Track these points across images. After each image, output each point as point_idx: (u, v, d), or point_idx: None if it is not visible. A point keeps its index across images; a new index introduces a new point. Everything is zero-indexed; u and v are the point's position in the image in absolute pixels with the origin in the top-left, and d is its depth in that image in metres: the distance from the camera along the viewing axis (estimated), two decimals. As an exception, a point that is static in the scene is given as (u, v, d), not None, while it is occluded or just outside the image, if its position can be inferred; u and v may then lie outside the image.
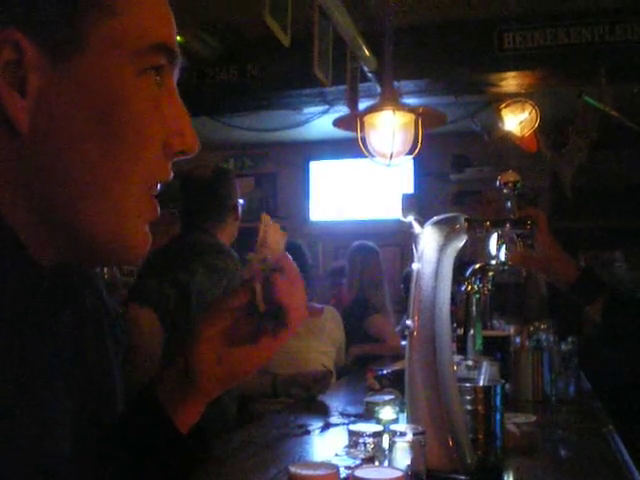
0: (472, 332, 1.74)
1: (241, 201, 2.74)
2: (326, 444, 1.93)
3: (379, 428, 1.51)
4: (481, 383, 1.62)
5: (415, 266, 1.58)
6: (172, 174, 0.76)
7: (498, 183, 1.93)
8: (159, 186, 0.76)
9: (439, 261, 1.54)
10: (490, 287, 1.81)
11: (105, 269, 3.99)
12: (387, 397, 2.10)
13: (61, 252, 0.72)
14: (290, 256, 0.90)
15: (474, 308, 1.74)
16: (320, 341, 3.39)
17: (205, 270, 2.41)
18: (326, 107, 5.47)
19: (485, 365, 1.67)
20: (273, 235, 0.88)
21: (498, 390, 1.60)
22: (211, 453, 0.92)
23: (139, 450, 0.87)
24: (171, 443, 0.87)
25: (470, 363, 1.75)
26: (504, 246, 1.81)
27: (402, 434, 1.26)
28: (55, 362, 0.73)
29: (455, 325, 1.92)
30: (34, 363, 0.69)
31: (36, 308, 0.69)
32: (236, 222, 2.73)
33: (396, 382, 2.33)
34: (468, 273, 1.75)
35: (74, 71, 0.66)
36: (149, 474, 0.87)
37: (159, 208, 0.76)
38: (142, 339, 2.20)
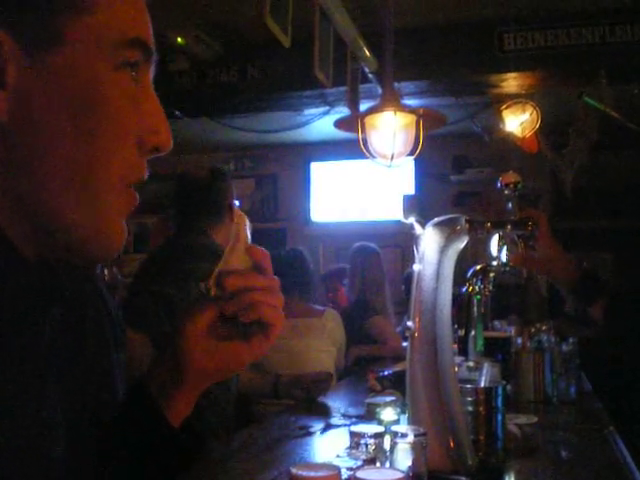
0: (473, 333, 1.74)
1: (237, 202, 2.72)
2: (327, 445, 1.93)
3: (380, 429, 1.51)
4: (482, 384, 1.62)
5: (416, 267, 1.58)
6: (147, 173, 0.76)
7: (499, 184, 1.93)
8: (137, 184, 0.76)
9: (440, 262, 1.54)
10: (491, 288, 1.80)
11: (106, 270, 3.98)
12: (388, 398, 2.09)
13: (43, 248, 0.72)
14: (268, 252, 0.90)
15: (475, 309, 1.74)
16: (321, 341, 3.40)
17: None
18: (327, 108, 5.47)
19: (486, 366, 1.67)
20: (244, 228, 0.89)
21: (499, 391, 1.60)
22: (205, 448, 0.92)
23: (133, 444, 0.88)
24: (164, 435, 0.88)
25: (471, 364, 1.75)
26: (505, 247, 1.81)
27: (403, 435, 1.26)
28: (47, 359, 0.73)
29: (456, 326, 1.92)
30: (24, 359, 0.69)
31: (24, 303, 0.69)
32: (233, 223, 2.68)
33: (397, 383, 2.33)
34: (469, 274, 1.75)
35: (51, 65, 0.67)
36: (143, 468, 0.88)
37: (138, 198, 0.76)
38: (132, 364, 2.16)
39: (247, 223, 0.91)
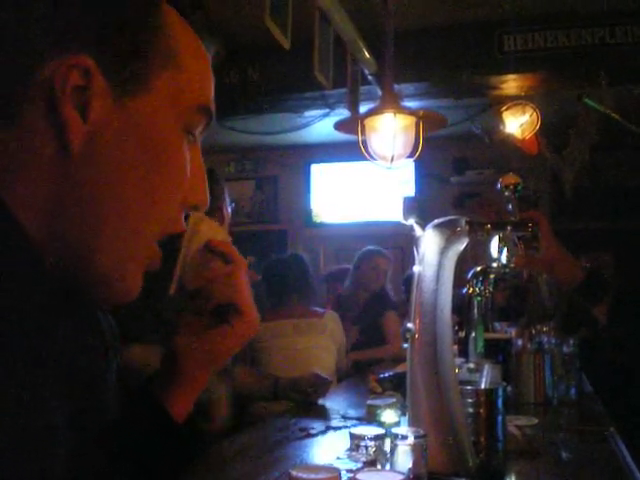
0: (474, 335, 1.74)
1: (230, 204, 2.64)
2: (328, 447, 1.93)
3: (381, 431, 1.51)
4: (483, 386, 1.62)
5: (416, 269, 1.57)
6: (184, 227, 0.81)
7: (499, 185, 1.93)
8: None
9: (440, 264, 1.54)
10: (491, 290, 1.80)
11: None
12: (389, 400, 2.09)
13: (62, 277, 0.72)
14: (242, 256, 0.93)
15: (475, 311, 1.74)
16: (322, 339, 3.41)
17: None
18: (327, 110, 5.47)
19: (487, 368, 1.67)
20: (208, 229, 0.90)
21: (500, 393, 1.60)
22: (207, 446, 0.94)
23: (137, 441, 0.89)
24: (168, 431, 0.89)
25: (472, 366, 1.74)
26: (505, 249, 1.80)
27: (404, 437, 1.26)
28: (56, 363, 0.74)
29: (456, 328, 1.92)
30: (37, 363, 0.69)
31: (44, 314, 0.69)
32: (223, 225, 2.59)
33: (398, 385, 2.33)
34: (469, 276, 1.75)
35: (132, 110, 0.69)
36: (147, 465, 0.88)
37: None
38: (132, 375, 2.12)
39: (211, 225, 0.91)
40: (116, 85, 0.67)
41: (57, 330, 0.74)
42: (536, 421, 1.86)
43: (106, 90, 0.67)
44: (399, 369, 2.64)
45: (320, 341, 3.39)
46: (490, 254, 1.79)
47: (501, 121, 4.51)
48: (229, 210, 2.63)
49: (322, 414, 2.43)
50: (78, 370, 0.80)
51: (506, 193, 1.88)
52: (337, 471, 1.12)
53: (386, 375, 2.61)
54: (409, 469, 1.23)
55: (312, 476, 1.09)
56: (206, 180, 0.80)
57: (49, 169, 0.67)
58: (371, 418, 2.04)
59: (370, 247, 4.92)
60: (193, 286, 0.90)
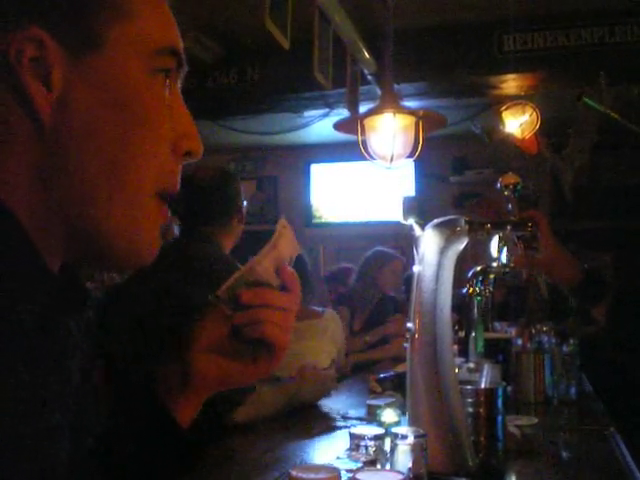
0: (474, 335, 1.74)
1: (245, 203, 2.64)
2: (328, 447, 1.93)
3: (380, 431, 1.51)
4: (483, 385, 1.62)
5: (416, 269, 1.58)
6: (178, 186, 0.78)
7: (498, 185, 1.93)
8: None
9: (440, 264, 1.54)
10: (491, 289, 1.80)
11: (105, 275, 3.98)
12: (389, 400, 2.09)
13: (72, 251, 0.72)
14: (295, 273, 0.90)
15: (475, 311, 1.74)
16: (323, 342, 3.39)
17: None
18: (326, 110, 5.47)
19: (487, 367, 1.67)
20: (286, 240, 0.88)
21: (500, 392, 1.60)
22: (209, 450, 0.94)
23: (140, 445, 0.88)
24: (171, 436, 0.89)
25: (472, 365, 1.75)
26: (505, 248, 1.81)
27: (403, 437, 1.26)
28: (58, 367, 0.74)
29: (456, 328, 1.92)
30: (40, 366, 0.69)
31: (45, 314, 0.69)
32: (240, 225, 2.61)
33: (398, 385, 2.33)
34: (469, 276, 1.75)
35: (92, 68, 0.69)
36: (150, 468, 0.88)
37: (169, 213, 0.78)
38: None
39: (290, 236, 0.89)
40: (71, 47, 0.67)
41: (58, 329, 0.74)
42: (536, 421, 1.86)
43: (63, 55, 0.67)
44: (399, 369, 2.64)
45: (320, 345, 3.36)
46: (490, 254, 1.79)
47: (501, 121, 4.50)
48: (244, 209, 2.63)
49: (322, 414, 2.43)
50: (75, 370, 0.80)
51: (505, 193, 1.89)
52: (337, 471, 1.12)
53: (386, 375, 2.60)
54: (409, 469, 1.23)
55: (312, 476, 1.09)
56: (194, 124, 0.78)
57: (25, 146, 0.67)
58: (371, 418, 2.05)
59: (385, 249, 4.89)
60: (245, 301, 0.86)
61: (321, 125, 5.90)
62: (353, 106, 4.08)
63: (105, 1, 0.70)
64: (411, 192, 6.93)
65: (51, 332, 0.71)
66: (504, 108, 4.51)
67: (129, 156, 0.70)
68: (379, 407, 2.02)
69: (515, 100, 4.58)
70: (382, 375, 2.61)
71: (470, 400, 1.58)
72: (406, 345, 1.59)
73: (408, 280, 4.59)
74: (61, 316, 0.74)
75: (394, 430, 1.31)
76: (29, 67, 0.66)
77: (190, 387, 0.89)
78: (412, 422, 1.52)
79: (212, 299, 0.87)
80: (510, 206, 1.86)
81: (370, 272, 4.73)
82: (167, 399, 0.89)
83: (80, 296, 0.78)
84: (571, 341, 2.65)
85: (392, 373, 2.62)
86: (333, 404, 2.55)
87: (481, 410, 1.58)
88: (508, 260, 1.81)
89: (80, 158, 0.68)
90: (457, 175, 6.93)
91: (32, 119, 0.67)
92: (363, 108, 3.64)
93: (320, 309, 3.62)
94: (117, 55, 0.70)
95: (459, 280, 1.71)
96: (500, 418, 1.59)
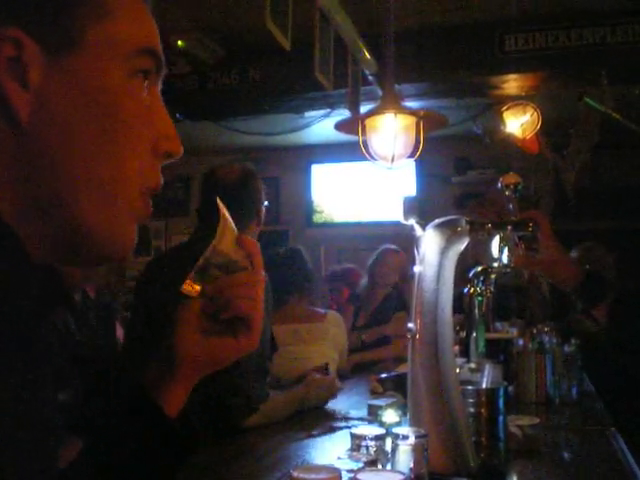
0: (475, 335, 1.74)
1: (266, 203, 2.60)
2: (329, 447, 1.93)
3: (382, 431, 1.51)
4: (484, 386, 1.62)
5: (417, 269, 1.58)
6: (162, 182, 0.78)
7: (499, 185, 1.93)
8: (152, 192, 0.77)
9: (441, 264, 1.54)
10: (492, 290, 1.80)
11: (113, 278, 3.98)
12: (390, 400, 2.09)
13: (52, 249, 0.73)
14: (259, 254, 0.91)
15: (476, 311, 1.74)
16: (324, 346, 3.37)
17: None
18: (328, 110, 5.47)
19: (488, 367, 1.67)
20: (229, 222, 0.90)
21: (501, 393, 1.60)
22: (200, 442, 0.94)
23: (129, 437, 0.88)
24: (159, 426, 0.89)
25: (473, 366, 1.75)
26: (506, 248, 1.80)
27: (404, 437, 1.26)
28: (47, 363, 0.74)
29: (458, 328, 1.92)
30: (25, 361, 0.69)
31: (29, 309, 0.70)
32: (258, 227, 2.59)
33: (399, 385, 2.33)
34: (470, 276, 1.75)
35: (70, 68, 0.69)
36: (142, 463, 0.88)
37: (151, 208, 0.78)
38: None
39: (228, 218, 0.91)
40: (49, 47, 0.67)
41: (47, 324, 0.74)
42: (537, 421, 1.86)
43: (40, 55, 0.67)
44: (400, 369, 2.64)
45: (321, 349, 3.35)
46: (491, 254, 1.79)
47: (502, 121, 4.50)
48: (264, 210, 2.59)
49: (323, 414, 2.43)
50: (66, 366, 0.80)
51: (507, 193, 1.89)
52: (338, 471, 1.12)
53: (387, 375, 2.61)
54: (410, 469, 1.23)
55: (313, 476, 1.09)
56: (173, 125, 0.78)
57: (4, 146, 0.67)
58: (372, 418, 2.05)
59: (387, 246, 4.89)
60: (212, 286, 0.89)
61: (322, 125, 5.90)
62: (354, 106, 4.08)
63: (84, 1, 0.70)
64: (412, 192, 6.93)
65: (38, 328, 0.72)
66: (505, 108, 4.51)
67: (108, 155, 0.71)
68: (380, 407, 2.02)
69: (516, 100, 4.59)
70: (383, 375, 2.61)
71: (471, 400, 1.58)
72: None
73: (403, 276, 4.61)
74: (46, 311, 0.75)
75: (395, 430, 1.31)
76: (6, 67, 0.66)
77: (177, 372, 0.90)
78: (413, 422, 1.52)
79: (184, 288, 0.89)
80: (511, 206, 1.86)
81: (370, 268, 4.74)
82: (154, 388, 0.90)
83: (62, 293, 0.79)
84: (572, 341, 2.65)
85: (393, 373, 2.62)
86: (334, 404, 2.55)
87: (482, 410, 1.58)
88: (509, 260, 1.81)
89: (59, 157, 0.69)
90: (458, 175, 6.93)
91: (9, 118, 0.66)
92: (364, 108, 3.64)
93: (322, 311, 3.60)
94: (95, 55, 0.70)
95: (462, 280, 1.71)
96: (501, 418, 1.59)
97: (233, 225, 0.90)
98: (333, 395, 2.62)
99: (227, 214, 0.90)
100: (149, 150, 0.75)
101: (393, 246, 4.87)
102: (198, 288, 0.89)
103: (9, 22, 0.66)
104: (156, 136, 0.76)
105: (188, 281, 0.89)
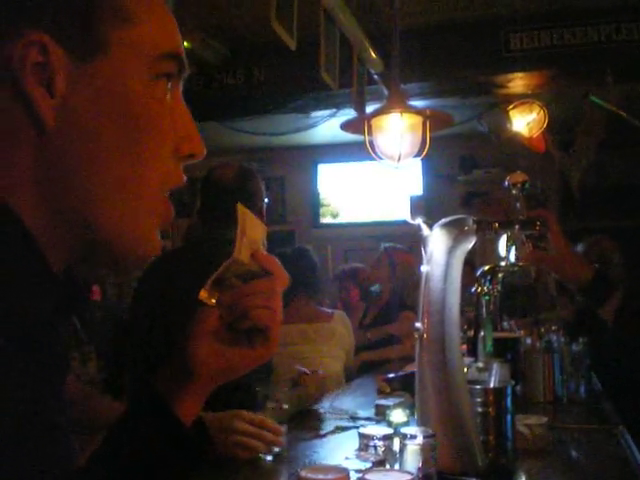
0: (482, 334, 1.73)
1: (266, 200, 2.57)
2: (337, 447, 1.93)
3: (389, 431, 1.51)
4: (492, 385, 1.62)
5: (424, 268, 1.57)
6: (185, 179, 0.78)
7: (506, 184, 1.92)
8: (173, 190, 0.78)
9: (448, 263, 1.54)
10: (500, 289, 1.80)
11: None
12: (397, 400, 2.09)
13: (74, 254, 0.73)
14: (278, 260, 0.90)
15: (484, 310, 1.74)
16: (331, 346, 3.37)
17: None
18: (333, 110, 5.47)
19: (495, 367, 1.66)
20: (251, 225, 0.89)
21: (508, 391, 1.60)
22: (213, 449, 0.93)
23: (143, 443, 0.88)
24: (173, 433, 0.88)
25: (481, 365, 1.74)
26: (514, 247, 1.80)
27: (412, 437, 1.26)
28: (57, 368, 0.74)
29: (465, 327, 1.92)
30: (41, 367, 0.69)
31: (47, 316, 0.70)
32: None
33: (406, 385, 2.33)
34: (478, 275, 1.75)
35: (95, 74, 0.69)
36: (152, 467, 0.88)
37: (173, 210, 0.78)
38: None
39: (254, 219, 0.90)
40: (75, 52, 0.67)
41: (57, 329, 0.74)
42: (545, 420, 1.86)
43: (66, 60, 0.67)
44: (408, 369, 2.63)
45: (327, 349, 3.35)
46: (498, 253, 1.79)
47: (508, 119, 4.50)
48: (264, 209, 2.57)
49: (331, 414, 2.43)
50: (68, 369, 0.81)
51: (513, 191, 1.88)
52: (346, 471, 1.12)
53: (395, 375, 2.60)
54: (418, 469, 1.23)
55: (321, 476, 1.09)
56: (195, 126, 0.79)
57: (29, 151, 0.67)
58: (380, 418, 2.04)
59: (387, 244, 4.87)
60: (230, 297, 0.88)
61: (328, 125, 5.90)
62: (360, 106, 4.07)
63: (108, 6, 0.70)
64: (419, 191, 6.92)
65: (52, 333, 0.72)
66: (511, 107, 4.50)
67: (132, 159, 0.71)
68: (388, 407, 2.02)
69: (522, 99, 4.58)
70: (391, 375, 2.61)
71: (479, 400, 1.58)
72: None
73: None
74: (62, 318, 0.75)
75: (403, 430, 1.31)
76: (32, 72, 0.66)
77: (194, 380, 0.89)
78: (421, 422, 1.52)
79: (201, 296, 0.88)
80: (518, 205, 1.86)
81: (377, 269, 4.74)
82: (168, 397, 0.89)
83: (80, 298, 0.79)
84: (580, 340, 2.65)
85: (401, 373, 2.62)
86: (342, 404, 2.55)
87: (490, 410, 1.57)
88: (517, 259, 1.81)
89: (83, 162, 0.69)
90: (465, 174, 6.92)
91: (35, 124, 0.67)
92: (370, 108, 3.64)
93: (329, 311, 3.60)
94: (119, 60, 0.70)
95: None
96: (509, 417, 1.59)
97: (251, 235, 0.89)
98: (327, 392, 2.62)
99: (248, 220, 0.89)
100: (172, 152, 0.76)
101: (398, 246, 4.87)
102: (215, 297, 0.88)
103: (35, 26, 0.66)
104: (178, 138, 0.76)
105: (205, 289, 0.88)
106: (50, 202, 0.69)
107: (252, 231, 0.89)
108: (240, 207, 0.89)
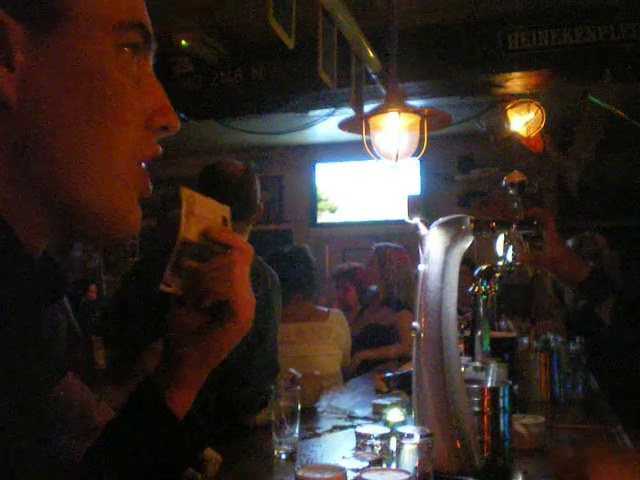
0: (480, 333, 1.73)
1: (260, 202, 2.59)
2: (334, 447, 1.93)
3: (387, 430, 1.51)
4: (489, 384, 1.62)
5: (421, 267, 1.57)
6: (160, 150, 0.77)
7: (503, 183, 1.93)
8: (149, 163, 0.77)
9: (445, 262, 1.54)
10: (497, 288, 1.80)
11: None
12: (395, 399, 2.09)
13: (54, 230, 0.72)
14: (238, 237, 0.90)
15: (481, 309, 1.74)
16: (327, 344, 3.37)
17: None
18: (331, 109, 5.47)
19: (492, 366, 1.66)
20: (201, 205, 0.87)
21: (505, 391, 1.60)
22: (208, 442, 0.93)
23: (138, 437, 0.88)
24: (168, 427, 0.89)
25: (478, 364, 1.74)
26: (511, 247, 1.80)
27: (409, 436, 1.26)
28: (44, 357, 0.74)
29: (463, 327, 1.92)
30: (23, 355, 0.69)
31: (27, 301, 0.69)
32: (255, 221, 2.57)
33: (404, 384, 2.33)
34: (475, 274, 1.75)
35: (55, 46, 0.68)
36: (148, 461, 0.88)
37: (151, 185, 0.77)
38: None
39: (206, 200, 0.89)
40: (34, 26, 0.67)
41: (41, 319, 0.73)
42: (542, 419, 1.86)
43: (24, 35, 0.66)
44: (405, 368, 2.64)
45: (324, 347, 3.35)
46: (496, 252, 1.79)
47: (506, 119, 4.50)
48: (261, 210, 2.58)
49: (328, 413, 2.43)
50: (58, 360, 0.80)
51: (511, 191, 1.88)
52: (343, 471, 1.12)
53: (392, 374, 2.60)
54: (415, 468, 1.23)
55: (318, 476, 1.09)
56: (167, 99, 0.77)
57: None
58: (377, 417, 2.04)
59: (379, 244, 4.87)
60: (189, 279, 0.87)
61: (326, 124, 5.90)
62: (358, 105, 4.07)
63: None
64: (416, 191, 6.92)
65: (30, 320, 0.71)
66: (509, 106, 4.51)
67: (98, 130, 0.70)
68: (385, 406, 2.02)
69: (520, 98, 4.58)
70: (388, 374, 2.61)
71: (476, 399, 1.58)
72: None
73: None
74: (40, 303, 0.74)
75: (400, 429, 1.31)
76: None
77: (178, 374, 0.90)
78: (418, 421, 1.52)
79: (162, 288, 0.86)
80: (515, 204, 1.86)
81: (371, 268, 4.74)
82: (162, 391, 0.89)
83: (59, 283, 0.77)
84: (577, 339, 2.65)
85: (398, 372, 2.62)
86: (339, 403, 2.55)
87: (487, 409, 1.57)
88: (514, 258, 1.81)
89: (50, 135, 0.68)
90: (463, 174, 6.93)
91: None
92: (368, 107, 3.63)
93: (326, 309, 3.60)
94: (81, 31, 0.69)
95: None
96: (506, 417, 1.59)
97: (202, 215, 0.88)
98: (322, 392, 2.62)
99: (197, 201, 0.87)
100: (141, 123, 0.74)
101: (392, 245, 4.86)
102: (177, 283, 0.87)
103: None
104: (149, 110, 0.75)
105: (164, 279, 0.86)
106: (19, 179, 0.68)
107: (203, 211, 0.88)
108: (184, 190, 0.87)
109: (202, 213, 0.88)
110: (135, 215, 0.75)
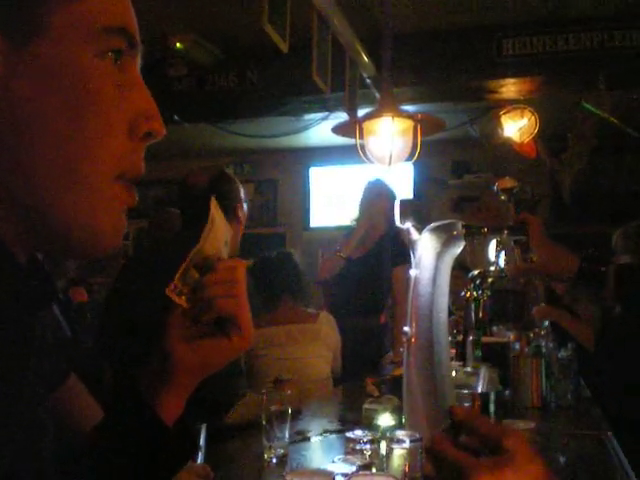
0: (471, 338, 1.74)
1: (245, 205, 2.59)
2: (324, 451, 1.93)
3: (376, 435, 1.51)
4: (479, 389, 1.62)
5: (413, 272, 1.57)
6: (143, 167, 0.75)
7: (495, 189, 1.93)
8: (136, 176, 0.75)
9: (437, 267, 1.54)
10: (489, 293, 1.80)
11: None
12: (385, 404, 2.09)
13: (33, 244, 0.71)
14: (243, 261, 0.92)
15: (473, 314, 1.74)
16: (316, 346, 3.37)
17: None
18: (326, 113, 5.47)
19: (483, 371, 1.67)
20: (220, 219, 0.90)
21: (493, 397, 1.60)
22: (196, 449, 0.93)
23: (126, 444, 0.88)
24: (156, 434, 0.88)
25: (469, 369, 1.74)
26: (503, 253, 1.80)
27: (400, 441, 1.26)
28: (35, 362, 0.73)
29: (454, 331, 1.92)
30: (15, 361, 0.68)
31: (15, 305, 0.69)
32: (239, 226, 2.56)
33: (395, 388, 2.32)
34: (467, 280, 1.75)
35: (36, 56, 0.67)
36: (137, 468, 0.88)
37: (137, 195, 0.75)
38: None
39: (222, 216, 0.91)
40: (14, 36, 0.66)
41: (33, 322, 0.73)
42: (533, 425, 1.86)
43: (4, 45, 0.65)
44: (396, 373, 2.63)
45: (314, 349, 3.35)
46: (488, 258, 1.79)
47: (500, 125, 4.52)
48: (245, 209, 2.58)
49: (319, 418, 2.42)
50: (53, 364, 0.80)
51: (502, 197, 1.89)
52: (332, 475, 1.12)
53: (383, 378, 2.60)
54: (404, 472, 1.23)
55: (307, 480, 1.09)
56: (154, 104, 0.75)
57: None
58: (368, 422, 2.04)
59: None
60: (192, 290, 0.88)
61: (320, 128, 5.90)
62: (352, 109, 4.08)
63: None
64: (410, 196, 6.93)
65: (17, 327, 0.70)
66: (503, 112, 4.52)
67: (79, 141, 0.69)
68: (375, 411, 2.02)
69: (514, 104, 4.59)
70: (379, 378, 2.61)
71: (467, 404, 1.58)
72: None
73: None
74: (28, 310, 0.73)
75: (390, 434, 1.31)
76: None
77: (173, 381, 0.89)
78: (408, 426, 1.52)
79: (169, 293, 0.87)
80: (507, 210, 1.86)
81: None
82: (149, 397, 0.89)
83: (48, 289, 0.76)
84: (569, 345, 2.65)
85: (390, 376, 2.62)
86: (330, 407, 2.55)
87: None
88: (506, 264, 1.81)
89: (29, 146, 0.67)
90: (456, 179, 6.94)
91: None
92: (362, 112, 3.64)
93: (315, 311, 3.61)
94: (62, 40, 0.68)
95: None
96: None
97: (217, 230, 0.90)
98: (304, 396, 2.62)
99: (218, 215, 0.89)
100: (125, 131, 0.72)
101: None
102: (185, 292, 0.88)
103: None
104: (134, 116, 0.73)
105: (172, 285, 0.87)
106: (1, 190, 0.67)
107: (219, 227, 0.90)
108: (214, 201, 0.89)
109: (219, 229, 0.90)
110: (118, 230, 0.73)
